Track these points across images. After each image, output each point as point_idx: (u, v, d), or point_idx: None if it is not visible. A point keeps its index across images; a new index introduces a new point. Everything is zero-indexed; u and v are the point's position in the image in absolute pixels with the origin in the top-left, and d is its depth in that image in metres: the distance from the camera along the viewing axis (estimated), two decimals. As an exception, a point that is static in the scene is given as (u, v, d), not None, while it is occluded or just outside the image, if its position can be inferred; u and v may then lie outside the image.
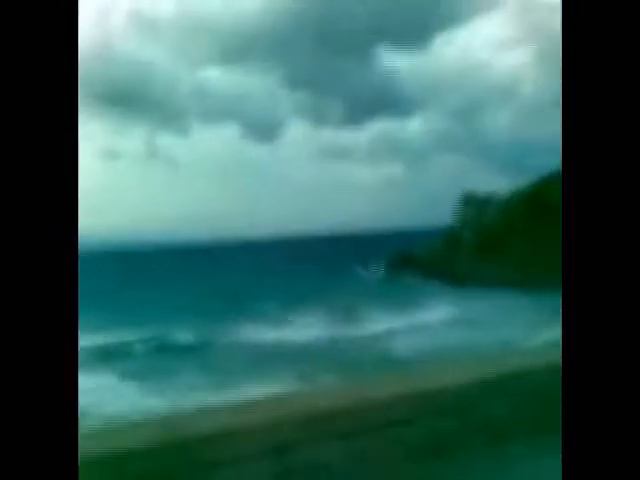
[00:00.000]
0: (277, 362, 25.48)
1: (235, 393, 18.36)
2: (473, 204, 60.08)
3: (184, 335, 33.34)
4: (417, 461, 2.77)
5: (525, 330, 28.22)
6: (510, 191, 59.80)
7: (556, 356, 3.13)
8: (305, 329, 34.40)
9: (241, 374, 22.66)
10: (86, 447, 2.14)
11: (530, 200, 55.15)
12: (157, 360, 27.15)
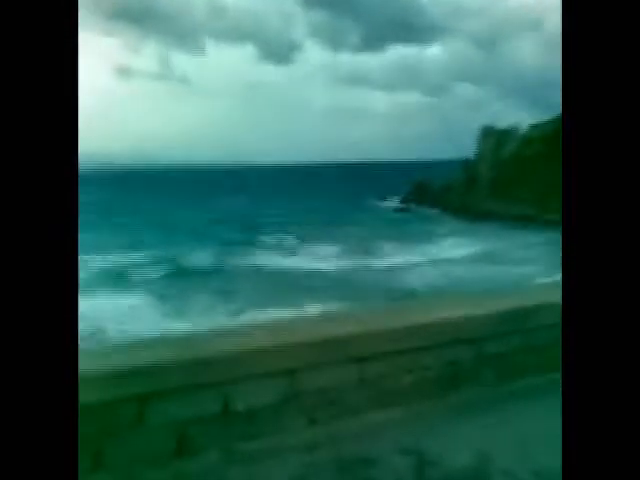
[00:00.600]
0: (291, 288, 25.76)
1: (250, 317, 19.20)
2: (492, 137, 58.70)
3: (198, 259, 33.52)
4: (428, 388, 2.81)
5: (540, 266, 28.45)
6: (530, 126, 58.40)
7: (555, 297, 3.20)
8: (320, 258, 34.48)
9: (256, 299, 23.03)
10: (100, 363, 2.24)
11: (549, 136, 53.92)
12: (173, 282, 27.37)
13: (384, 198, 69.46)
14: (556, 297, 3.18)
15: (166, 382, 2.25)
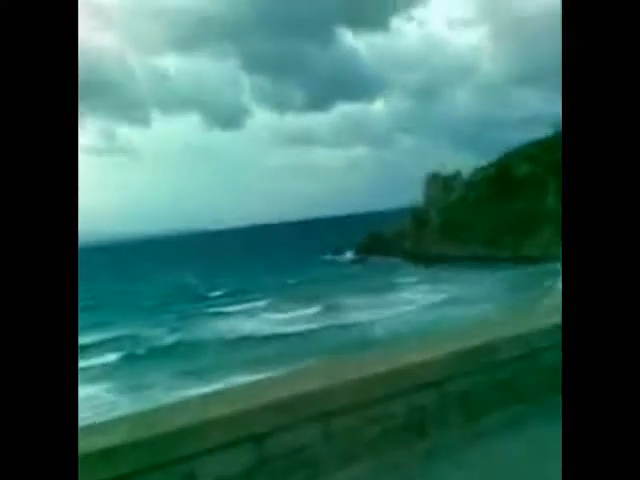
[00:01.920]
0: (253, 354, 25.50)
1: (211, 387, 18.74)
2: (438, 183, 60.23)
3: (154, 335, 32.75)
4: (395, 437, 2.78)
5: (495, 303, 28.87)
6: (473, 169, 60.63)
7: (526, 327, 3.32)
8: (280, 318, 34.12)
9: (217, 367, 22.86)
10: None
11: (493, 177, 55.96)
12: (130, 361, 26.88)
13: (340, 252, 69.80)
14: (512, 331, 3.28)
15: (122, 466, 2.15)
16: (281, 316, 35.09)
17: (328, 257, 69.54)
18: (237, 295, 44.51)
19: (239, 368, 22.09)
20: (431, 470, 2.66)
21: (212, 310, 39.52)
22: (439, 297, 35.21)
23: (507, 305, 27.15)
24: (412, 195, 63.88)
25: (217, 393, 2.78)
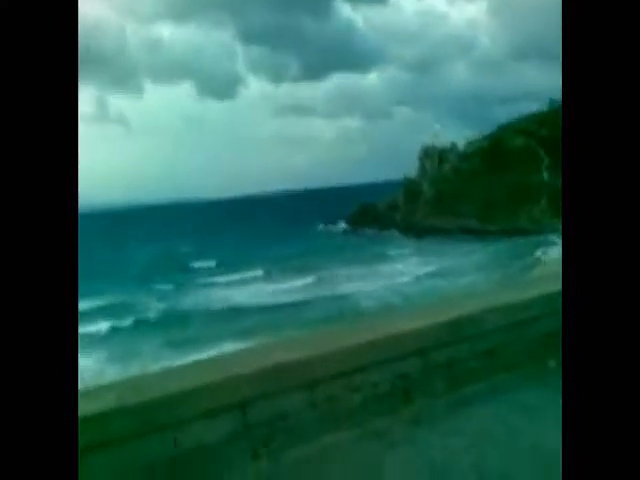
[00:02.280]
0: (244, 322, 25.68)
1: (201, 354, 19.24)
2: (432, 156, 59.99)
3: (142, 302, 32.99)
4: (380, 405, 2.81)
5: (483, 274, 29.36)
6: (466, 142, 60.51)
7: (513, 298, 3.36)
8: (271, 289, 34.22)
9: (207, 336, 23.02)
10: None
11: (486, 149, 55.95)
12: (118, 329, 26.90)
13: (333, 222, 69.97)
14: (498, 301, 3.32)
15: (109, 430, 2.18)
16: (272, 287, 35.20)
17: (320, 228, 69.65)
18: (228, 265, 44.65)
19: (229, 338, 22.20)
20: (413, 439, 2.67)
21: (203, 280, 39.61)
22: (429, 269, 35.44)
23: (496, 276, 27.33)
24: (406, 167, 63.89)
25: (203, 361, 2.79)
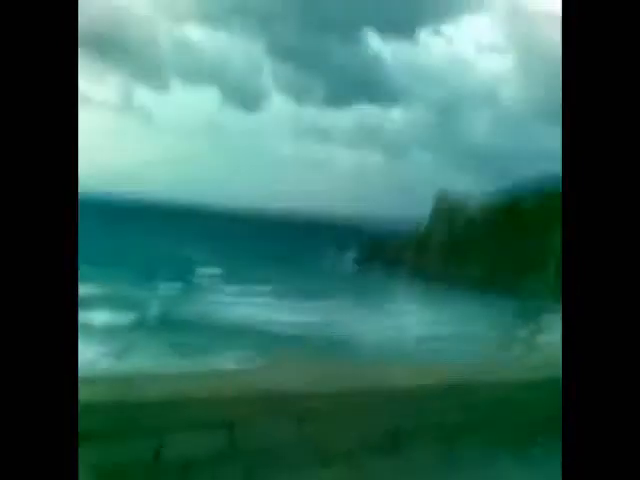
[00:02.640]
0: (241, 339, 25.54)
1: (198, 365, 18.94)
2: (447, 203, 60.07)
3: (144, 298, 32.68)
4: (369, 452, 2.77)
5: (488, 339, 29.06)
6: (485, 195, 60.61)
7: (520, 374, 3.42)
8: (273, 311, 33.90)
9: (205, 348, 22.68)
10: None
11: (505, 208, 55.98)
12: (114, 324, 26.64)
13: (340, 254, 69.27)
14: (498, 376, 3.36)
15: (88, 424, 2.07)
16: (271, 306, 34.97)
17: (327, 257, 68.57)
18: (228, 279, 44.39)
19: (226, 351, 22.11)
20: None
21: (206, 287, 39.90)
22: (433, 326, 34.60)
23: (500, 339, 27.23)
24: (419, 210, 63.86)
25: (197, 373, 2.75)
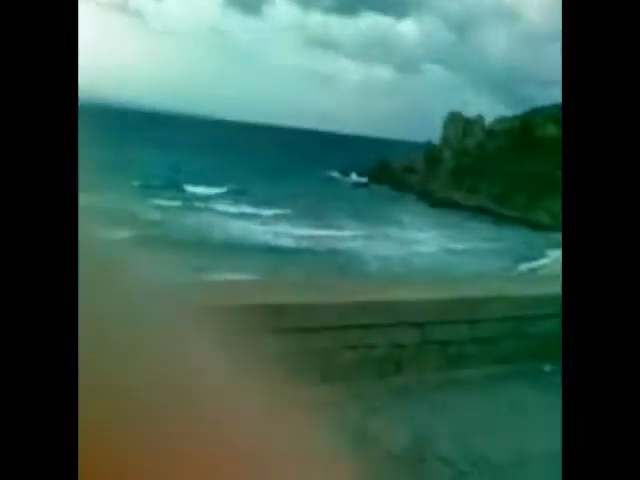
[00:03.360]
0: (242, 252, 25.82)
1: (196, 277, 19.02)
2: (457, 124, 59.09)
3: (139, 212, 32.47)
4: (371, 368, 2.79)
5: (494, 262, 29.42)
6: (496, 118, 59.66)
7: (520, 292, 3.36)
8: (275, 224, 34.12)
9: (203, 263, 22.50)
10: None
11: (515, 131, 55.26)
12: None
13: (345, 172, 68.64)
14: (505, 291, 3.31)
15: None
16: (273, 219, 34.83)
17: (331, 174, 68.41)
18: (226, 194, 44.29)
19: (224, 270, 22.07)
20: (396, 409, 2.73)
21: (197, 204, 39.24)
22: (440, 243, 35.10)
23: (506, 265, 27.14)
24: (429, 130, 62.96)
25: (193, 285, 2.75)
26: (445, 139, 59.39)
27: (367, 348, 2.79)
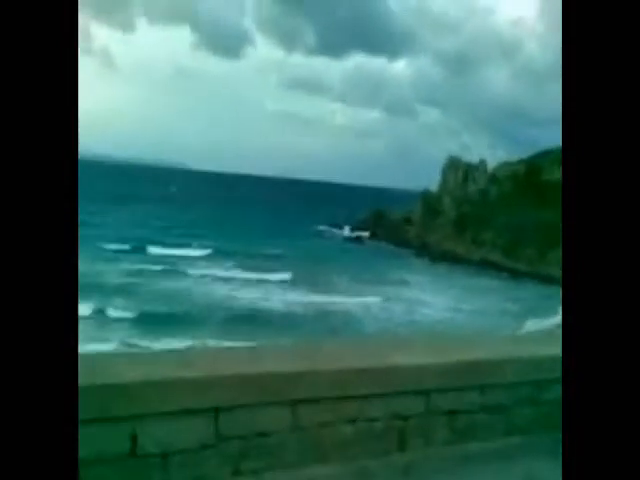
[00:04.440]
0: (219, 319, 26.12)
1: (186, 344, 19.07)
2: (457, 170, 59.85)
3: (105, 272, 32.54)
4: (372, 443, 2.74)
5: (503, 320, 29.68)
6: (500, 163, 60.42)
7: (535, 352, 3.28)
8: (265, 288, 34.16)
9: (198, 329, 23.36)
10: None
11: (521, 176, 55.64)
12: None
13: (337, 226, 68.47)
14: (518, 352, 3.26)
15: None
16: (257, 291, 34.20)
17: (322, 228, 68.38)
18: (207, 255, 44.10)
19: (211, 332, 22.71)
20: None
21: (171, 268, 38.70)
22: (444, 301, 35.24)
23: (517, 324, 27.45)
24: (426, 178, 63.14)
25: (176, 352, 2.95)
26: (444, 186, 59.67)
27: (366, 421, 2.76)
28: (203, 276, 36.50)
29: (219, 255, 44.23)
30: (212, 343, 19.84)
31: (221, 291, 33.04)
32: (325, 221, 71.81)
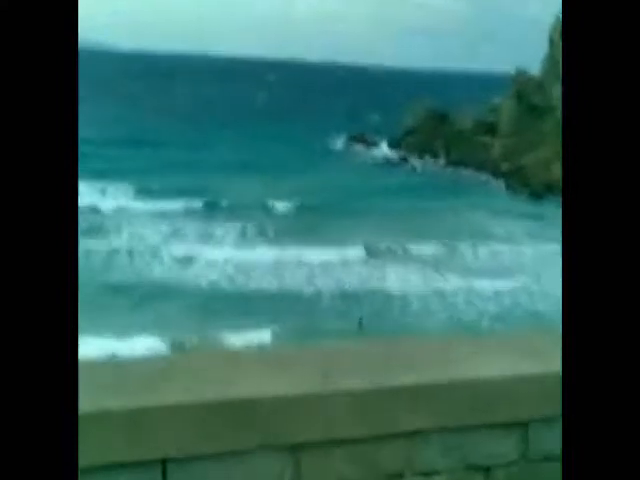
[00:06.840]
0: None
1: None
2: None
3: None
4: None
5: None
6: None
7: None
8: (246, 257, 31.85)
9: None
10: None
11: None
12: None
13: (362, 137, 61.40)
14: None
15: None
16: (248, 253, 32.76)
17: (338, 146, 61.05)
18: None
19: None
20: None
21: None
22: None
23: None
24: (518, 52, 52.83)
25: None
26: (552, 62, 51.45)
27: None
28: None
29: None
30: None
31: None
32: (343, 128, 64.45)
